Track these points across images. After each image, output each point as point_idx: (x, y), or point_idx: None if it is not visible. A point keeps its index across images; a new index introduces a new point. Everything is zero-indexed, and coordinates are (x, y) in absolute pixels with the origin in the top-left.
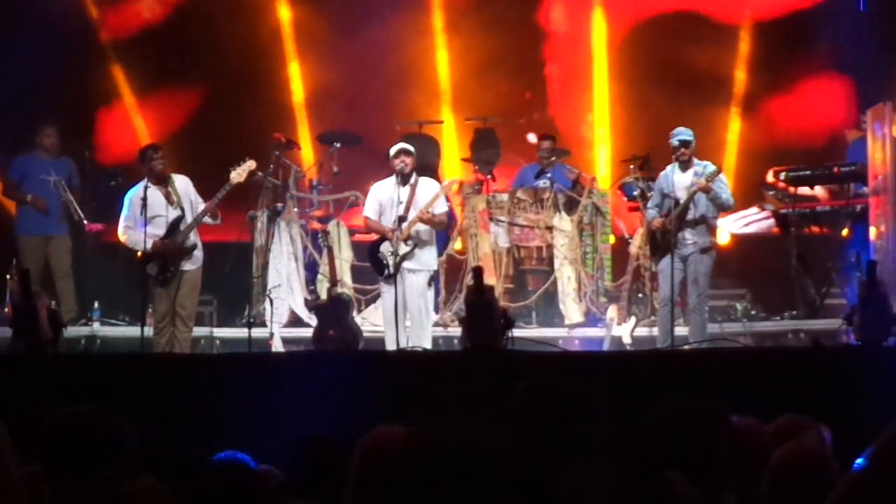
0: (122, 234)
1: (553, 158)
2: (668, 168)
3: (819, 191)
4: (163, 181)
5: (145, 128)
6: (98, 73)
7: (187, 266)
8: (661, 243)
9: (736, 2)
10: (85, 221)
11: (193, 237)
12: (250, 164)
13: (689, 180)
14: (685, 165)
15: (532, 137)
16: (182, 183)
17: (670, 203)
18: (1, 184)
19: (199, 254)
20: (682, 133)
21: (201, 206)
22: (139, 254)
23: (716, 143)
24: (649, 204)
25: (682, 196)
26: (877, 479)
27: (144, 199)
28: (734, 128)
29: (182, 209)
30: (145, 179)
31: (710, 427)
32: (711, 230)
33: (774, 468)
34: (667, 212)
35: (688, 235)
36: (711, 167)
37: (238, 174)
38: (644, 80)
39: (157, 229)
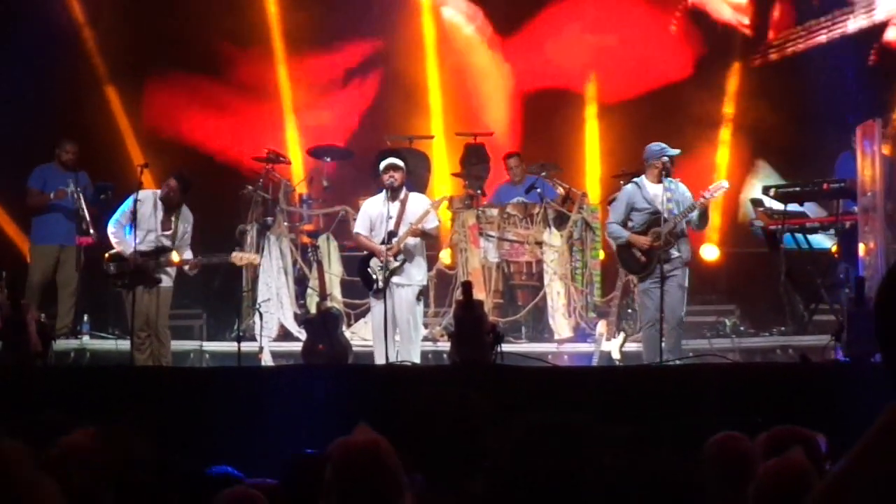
0: (111, 227)
1: (542, 173)
2: (638, 181)
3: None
4: (172, 208)
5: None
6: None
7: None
8: (644, 262)
9: None
10: (92, 231)
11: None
12: (253, 258)
13: (663, 195)
14: (658, 179)
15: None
16: (186, 217)
17: (643, 218)
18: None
19: (171, 270)
20: (669, 149)
21: (187, 245)
22: (106, 255)
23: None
24: (611, 219)
25: (664, 209)
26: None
27: (135, 205)
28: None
29: (173, 241)
30: (158, 191)
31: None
32: (689, 242)
33: (760, 483)
34: (645, 227)
35: (673, 250)
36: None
37: (238, 258)
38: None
39: (136, 239)
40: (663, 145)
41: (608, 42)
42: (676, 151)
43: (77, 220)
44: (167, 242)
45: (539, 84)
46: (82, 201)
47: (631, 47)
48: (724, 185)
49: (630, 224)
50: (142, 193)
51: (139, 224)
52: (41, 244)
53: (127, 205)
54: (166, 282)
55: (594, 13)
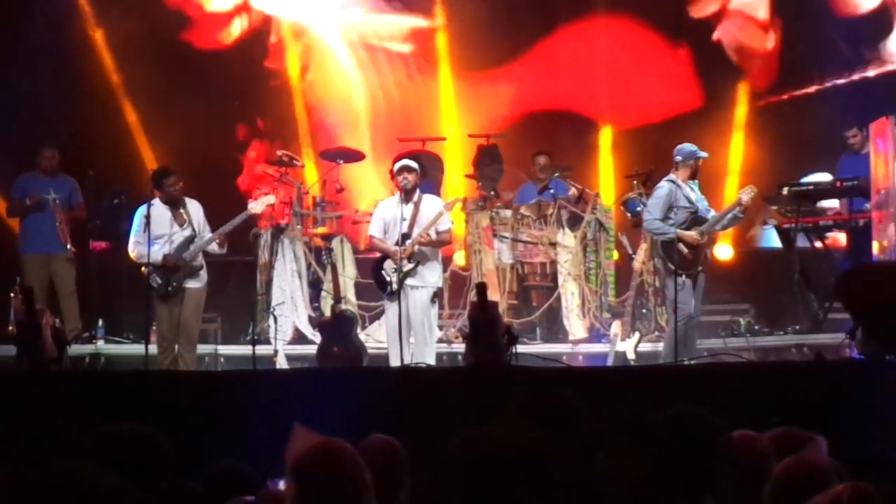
0: (132, 251)
1: (555, 174)
2: (676, 181)
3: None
4: (175, 204)
5: (148, 146)
6: (100, 92)
7: (191, 284)
8: (690, 259)
9: None
10: (69, 247)
11: (200, 258)
12: (269, 199)
13: (695, 195)
14: (690, 179)
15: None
16: (195, 207)
17: (684, 216)
18: (5, 204)
19: (203, 273)
20: (700, 150)
21: (208, 232)
22: (143, 269)
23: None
24: (654, 215)
25: (703, 208)
26: None
27: (148, 216)
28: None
29: (193, 229)
30: (156, 199)
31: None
32: None
33: (776, 482)
34: (686, 226)
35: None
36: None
37: (257, 206)
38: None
39: (162, 247)
40: (695, 146)
41: (618, 68)
42: (706, 154)
43: (70, 231)
44: (188, 232)
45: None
46: (59, 214)
47: (641, 76)
48: (753, 189)
49: (669, 222)
50: (141, 209)
51: (156, 232)
52: (28, 253)
53: (138, 221)
54: (197, 284)
55: (606, 38)
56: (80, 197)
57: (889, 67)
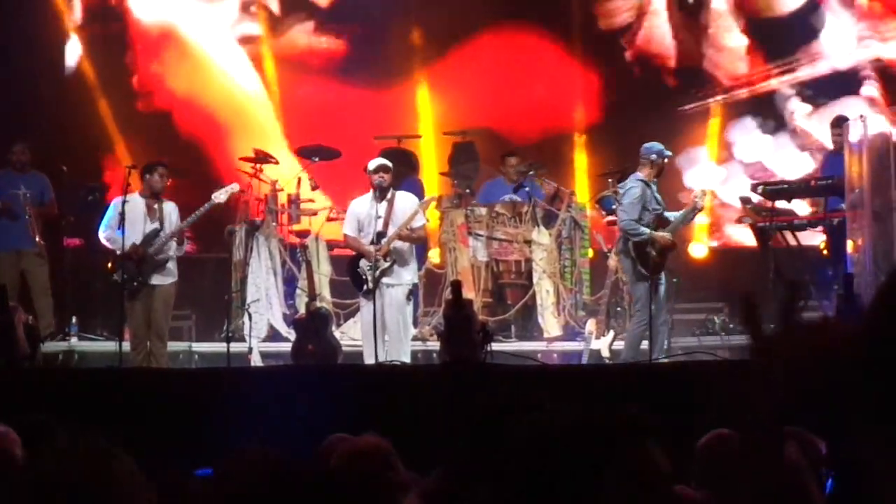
0: (102, 233)
1: (530, 172)
2: (645, 181)
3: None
4: (154, 198)
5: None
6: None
7: (158, 280)
8: (658, 261)
9: None
10: (40, 241)
11: (167, 254)
12: (234, 187)
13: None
14: (656, 178)
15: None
16: (170, 207)
17: (653, 217)
18: None
19: (172, 268)
20: (665, 149)
21: (177, 219)
22: (109, 264)
23: None
24: (630, 216)
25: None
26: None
27: (123, 209)
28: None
29: (161, 224)
30: (134, 193)
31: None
32: None
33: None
34: (653, 227)
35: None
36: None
37: (221, 195)
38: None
39: (129, 238)
40: (661, 145)
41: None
42: (671, 153)
43: (40, 227)
44: (155, 226)
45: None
46: (30, 209)
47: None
48: (707, 191)
49: (642, 223)
50: (119, 198)
51: (130, 224)
52: None
53: (113, 209)
54: (165, 280)
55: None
56: (51, 193)
57: (819, 68)
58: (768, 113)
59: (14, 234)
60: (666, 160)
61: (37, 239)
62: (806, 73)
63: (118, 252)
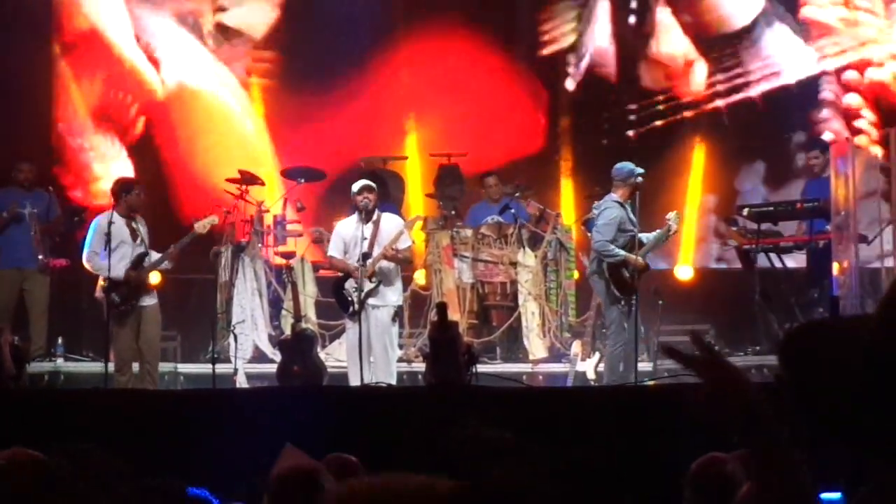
0: (87, 261)
1: (516, 194)
2: (621, 202)
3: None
4: (131, 217)
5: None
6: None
7: (147, 301)
8: (630, 284)
9: None
10: (45, 259)
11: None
12: (213, 219)
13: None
14: (630, 199)
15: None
16: (143, 225)
17: (627, 240)
18: None
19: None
20: (637, 168)
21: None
22: (101, 281)
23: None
24: (605, 237)
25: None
26: None
27: (109, 230)
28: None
29: (145, 246)
30: (111, 211)
31: None
32: None
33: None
34: (627, 249)
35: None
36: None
37: (202, 226)
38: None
39: (122, 259)
40: (632, 165)
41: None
42: (643, 171)
43: (42, 247)
44: (142, 249)
45: None
46: (37, 227)
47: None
48: (678, 214)
49: (617, 244)
50: (98, 219)
51: (114, 245)
52: (1, 269)
53: (94, 231)
54: (152, 301)
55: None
56: (57, 210)
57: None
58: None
59: (18, 251)
60: (639, 179)
61: (41, 257)
62: (759, 89)
63: (112, 281)
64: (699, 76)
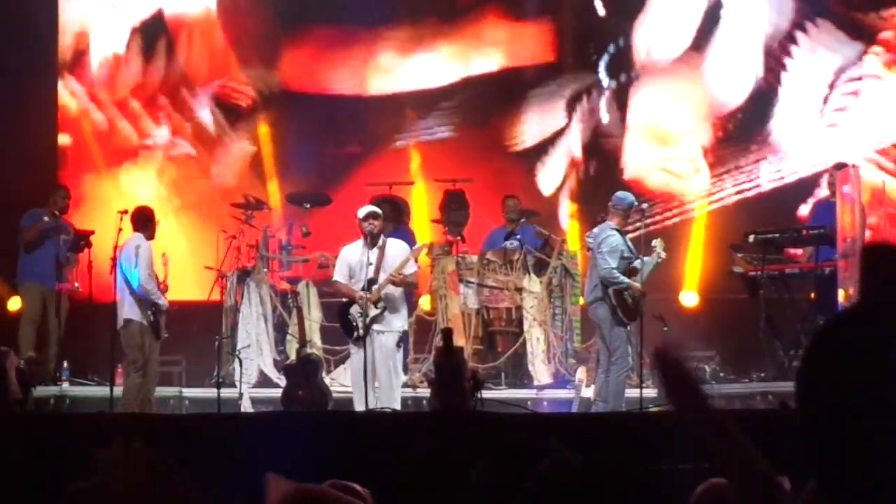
0: (147, 284)
1: (522, 220)
2: (619, 230)
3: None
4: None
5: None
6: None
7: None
8: (633, 309)
9: None
10: (74, 284)
11: None
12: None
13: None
14: (624, 227)
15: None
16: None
17: (625, 266)
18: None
19: None
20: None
21: None
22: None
23: None
24: (611, 264)
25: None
26: None
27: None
28: None
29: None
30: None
31: None
32: None
33: None
34: (626, 276)
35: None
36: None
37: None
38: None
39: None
40: (633, 196)
41: None
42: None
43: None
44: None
45: None
46: (64, 248)
47: None
48: (662, 241)
49: (618, 271)
50: (150, 246)
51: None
52: (27, 282)
53: (150, 256)
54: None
55: None
56: (72, 241)
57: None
58: None
59: (46, 270)
60: (631, 210)
61: (76, 284)
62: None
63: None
64: None
